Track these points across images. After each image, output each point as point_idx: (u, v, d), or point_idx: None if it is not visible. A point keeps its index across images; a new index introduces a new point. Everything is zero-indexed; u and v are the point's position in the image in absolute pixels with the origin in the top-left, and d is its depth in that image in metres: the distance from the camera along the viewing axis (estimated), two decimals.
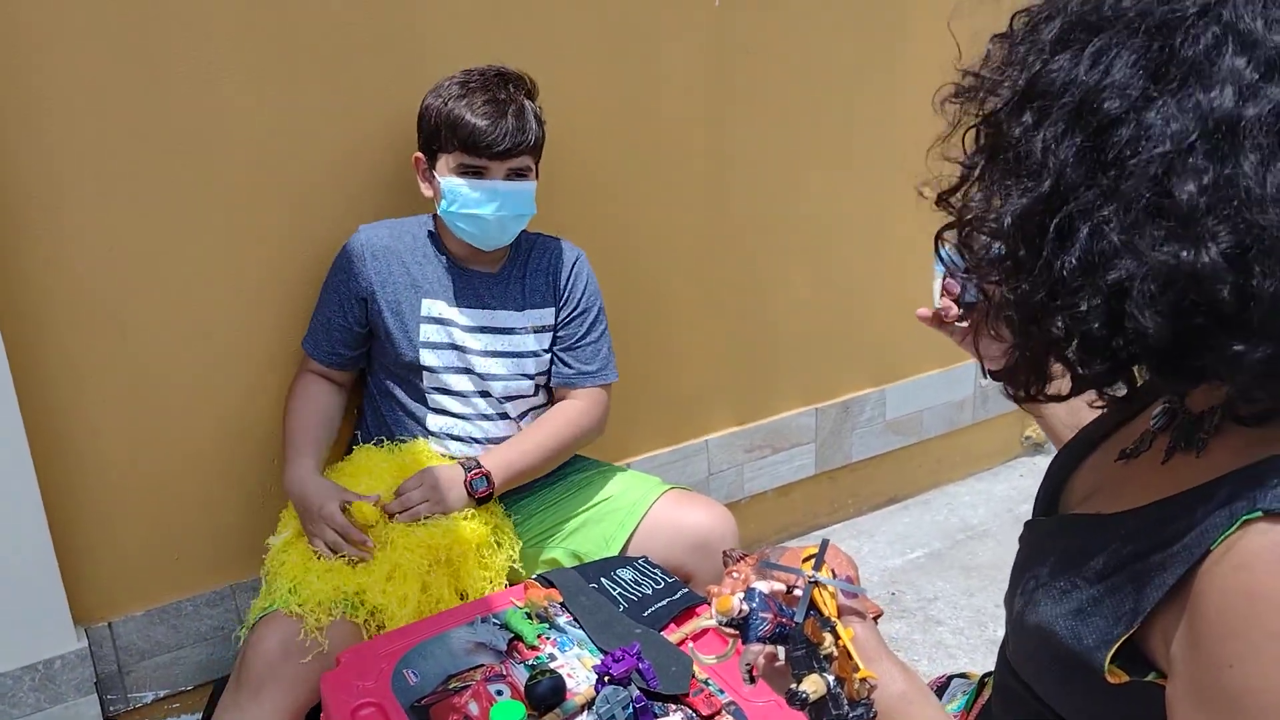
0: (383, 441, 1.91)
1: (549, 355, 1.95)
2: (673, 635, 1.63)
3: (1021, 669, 0.91)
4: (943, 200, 0.82)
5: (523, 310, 1.90)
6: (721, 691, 1.51)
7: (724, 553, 1.17)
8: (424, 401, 1.89)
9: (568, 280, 1.94)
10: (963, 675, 1.32)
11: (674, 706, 1.49)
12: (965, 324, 1.18)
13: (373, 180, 1.97)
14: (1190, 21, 0.67)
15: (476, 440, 1.90)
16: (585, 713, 1.46)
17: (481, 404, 1.90)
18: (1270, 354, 0.66)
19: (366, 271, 1.84)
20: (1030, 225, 0.72)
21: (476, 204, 1.77)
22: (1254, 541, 0.69)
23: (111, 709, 1.99)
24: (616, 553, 1.88)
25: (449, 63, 1.87)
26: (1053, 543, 0.90)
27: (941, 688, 1.32)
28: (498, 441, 1.91)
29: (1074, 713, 0.85)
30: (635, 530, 1.90)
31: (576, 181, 2.17)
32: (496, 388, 1.89)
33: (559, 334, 1.95)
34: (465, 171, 1.77)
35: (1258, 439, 0.74)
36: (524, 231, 1.91)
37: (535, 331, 1.91)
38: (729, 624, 0.94)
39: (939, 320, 1.22)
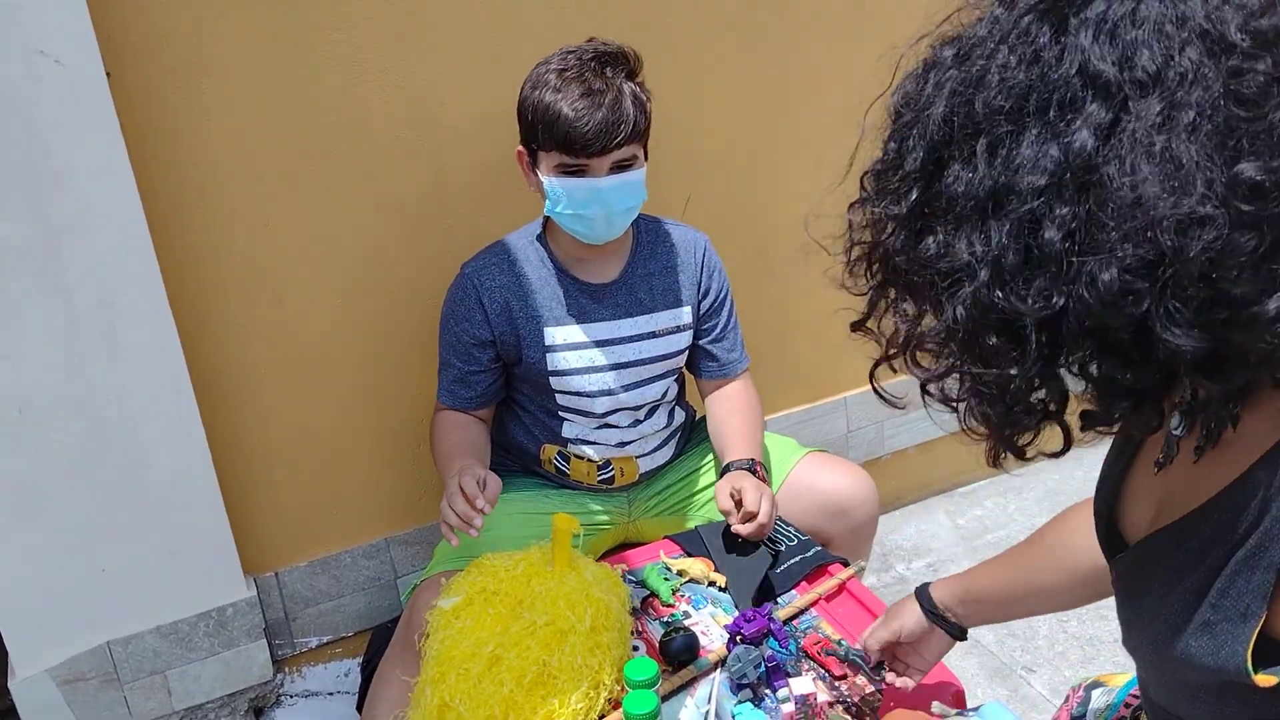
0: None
1: (682, 354, 1.90)
2: (805, 595, 1.64)
3: (1174, 707, 0.88)
4: (859, 327, 0.82)
5: (651, 314, 1.84)
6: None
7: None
8: (555, 415, 1.88)
9: (700, 275, 1.88)
10: (1098, 684, 1.28)
11: (806, 666, 1.50)
12: None
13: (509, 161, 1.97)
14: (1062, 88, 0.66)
15: (610, 444, 1.89)
16: (718, 670, 1.49)
17: (611, 408, 1.86)
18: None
19: (485, 317, 1.78)
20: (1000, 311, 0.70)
21: (581, 204, 1.68)
22: None
23: (279, 653, 2.13)
24: None
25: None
26: (1147, 571, 0.85)
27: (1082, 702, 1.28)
28: (629, 444, 1.89)
29: None
30: (775, 495, 1.88)
31: (688, 153, 2.17)
32: (629, 397, 1.85)
33: (702, 328, 1.90)
34: (566, 171, 1.66)
35: None
36: (643, 219, 1.87)
37: (667, 334, 1.86)
38: None
39: None
